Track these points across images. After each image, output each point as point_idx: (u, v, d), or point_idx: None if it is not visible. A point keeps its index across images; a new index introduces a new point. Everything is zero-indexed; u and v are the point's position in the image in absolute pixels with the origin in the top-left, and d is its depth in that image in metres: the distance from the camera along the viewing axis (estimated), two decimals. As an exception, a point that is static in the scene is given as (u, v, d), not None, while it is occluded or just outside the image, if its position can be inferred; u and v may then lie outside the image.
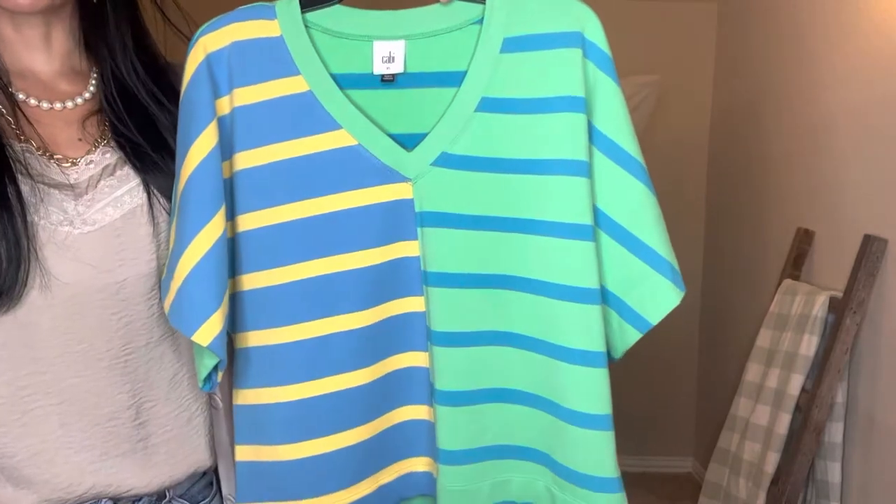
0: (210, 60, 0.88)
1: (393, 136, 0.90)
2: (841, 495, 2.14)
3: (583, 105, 0.88)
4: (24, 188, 0.87)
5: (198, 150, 0.86)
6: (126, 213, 0.92)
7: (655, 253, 0.91)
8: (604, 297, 0.91)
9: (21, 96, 0.93)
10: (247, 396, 0.92)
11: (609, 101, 0.89)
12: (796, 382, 2.18)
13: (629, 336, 0.93)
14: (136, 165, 0.94)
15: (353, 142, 0.89)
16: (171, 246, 0.88)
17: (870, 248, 2.03)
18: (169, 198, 0.94)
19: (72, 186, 0.91)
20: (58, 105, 0.95)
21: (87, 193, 0.91)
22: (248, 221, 0.90)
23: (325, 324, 0.91)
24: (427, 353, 0.93)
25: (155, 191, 0.94)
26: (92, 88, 0.98)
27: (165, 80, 1.01)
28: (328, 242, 0.90)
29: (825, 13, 2.36)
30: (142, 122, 0.96)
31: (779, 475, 2.20)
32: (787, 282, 2.40)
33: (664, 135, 3.29)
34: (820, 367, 2.11)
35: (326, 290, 0.90)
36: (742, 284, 2.98)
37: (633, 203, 0.90)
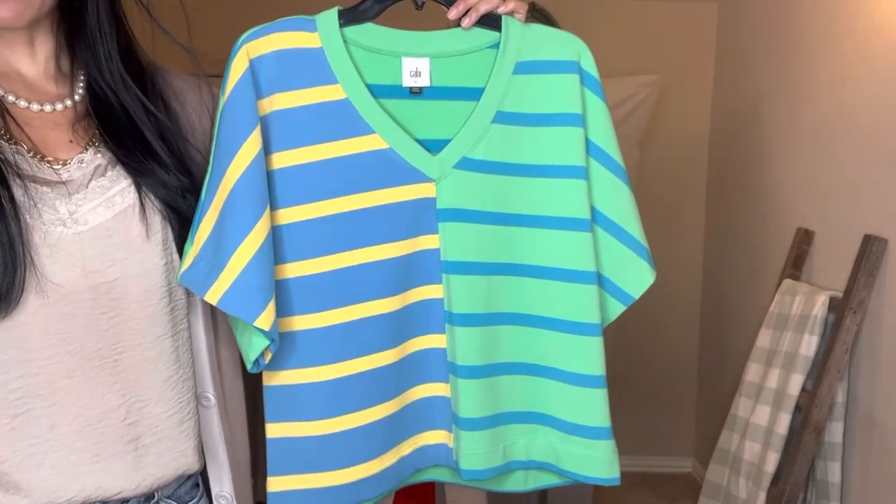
0: (253, 66, 0.95)
1: (419, 141, 1.01)
2: (841, 495, 2.14)
3: (581, 121, 1.03)
4: (17, 191, 0.86)
5: (246, 152, 0.93)
6: (118, 213, 0.91)
7: (637, 242, 1.07)
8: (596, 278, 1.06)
9: (10, 98, 0.93)
10: (282, 377, 1.00)
11: (600, 118, 1.05)
12: (796, 382, 2.18)
13: (615, 309, 1.09)
14: (127, 167, 0.94)
15: (384, 145, 0.99)
16: (204, 238, 0.93)
17: (870, 248, 2.02)
18: (161, 199, 0.94)
19: (64, 183, 0.90)
20: (47, 107, 0.95)
21: (78, 192, 0.90)
22: (287, 216, 0.97)
23: (355, 309, 1.01)
24: (443, 335, 1.05)
25: (146, 192, 0.93)
26: (81, 91, 0.97)
27: (153, 85, 1.00)
28: (359, 236, 1.00)
29: (825, 13, 2.36)
30: (129, 128, 0.96)
31: (779, 475, 2.20)
32: (787, 282, 2.40)
33: (664, 135, 3.28)
34: (820, 367, 2.11)
35: (357, 279, 1.00)
36: (742, 284, 2.98)
37: (621, 201, 1.06)
